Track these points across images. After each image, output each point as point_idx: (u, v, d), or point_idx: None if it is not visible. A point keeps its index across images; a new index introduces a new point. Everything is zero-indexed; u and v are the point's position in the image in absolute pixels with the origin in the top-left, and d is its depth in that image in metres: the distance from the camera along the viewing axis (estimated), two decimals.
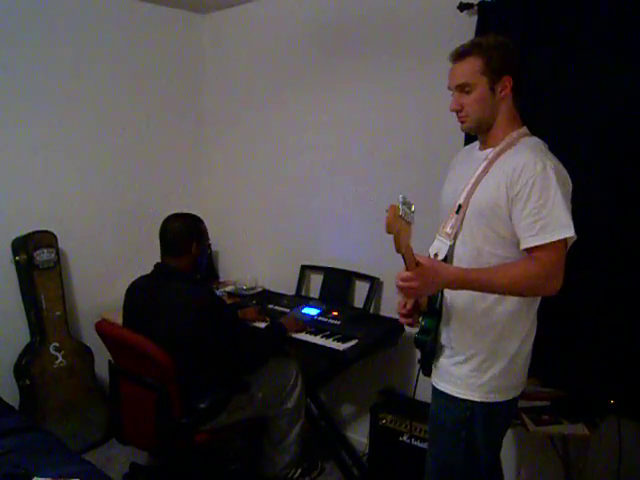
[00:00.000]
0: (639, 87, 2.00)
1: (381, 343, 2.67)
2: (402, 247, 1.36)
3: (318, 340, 2.52)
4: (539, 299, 1.69)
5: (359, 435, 3.02)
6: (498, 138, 1.64)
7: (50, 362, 2.91)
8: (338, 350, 2.43)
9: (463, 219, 1.63)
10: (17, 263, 2.88)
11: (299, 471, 2.71)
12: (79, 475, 1.80)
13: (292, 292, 3.17)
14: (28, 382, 2.83)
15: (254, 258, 3.53)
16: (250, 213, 3.54)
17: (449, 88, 1.67)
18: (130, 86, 3.31)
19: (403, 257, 1.41)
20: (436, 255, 1.65)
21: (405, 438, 2.54)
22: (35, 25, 2.88)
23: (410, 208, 1.35)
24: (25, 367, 2.85)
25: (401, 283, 1.46)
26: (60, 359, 2.94)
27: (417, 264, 1.44)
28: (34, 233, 2.88)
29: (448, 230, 1.65)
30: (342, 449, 2.89)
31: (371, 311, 2.87)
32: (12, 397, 2.74)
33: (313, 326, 2.65)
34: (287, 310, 2.87)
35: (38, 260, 2.87)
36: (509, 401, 1.69)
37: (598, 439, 2.12)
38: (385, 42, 2.75)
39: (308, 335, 2.57)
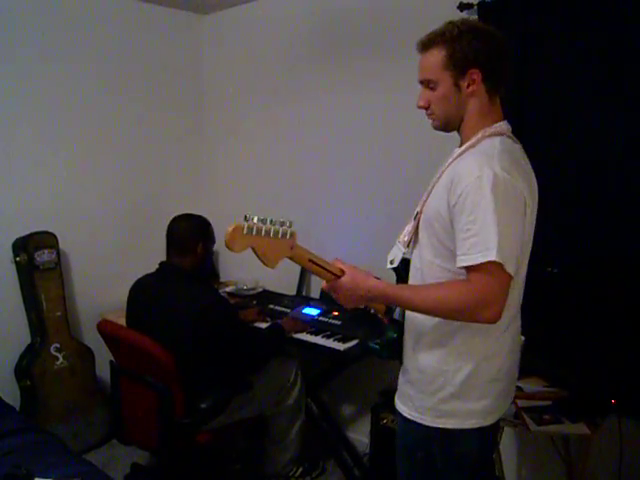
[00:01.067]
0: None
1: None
2: (269, 263, 1.29)
3: (319, 340, 2.52)
4: (517, 316, 1.52)
5: (360, 435, 3.02)
6: (468, 137, 1.46)
7: (51, 363, 2.91)
8: (339, 350, 2.43)
9: (418, 227, 1.49)
10: (18, 264, 2.89)
11: (300, 470, 2.71)
12: (80, 476, 1.80)
13: (293, 292, 3.17)
14: (29, 383, 2.83)
15: (255, 258, 3.51)
16: (250, 213, 3.53)
17: (418, 82, 1.52)
18: (130, 86, 3.31)
19: (312, 271, 1.37)
20: (392, 262, 1.55)
21: None
22: (35, 26, 2.88)
23: (281, 223, 1.27)
24: (26, 368, 2.85)
25: (327, 293, 1.40)
26: (61, 360, 2.94)
27: (342, 274, 1.38)
28: (35, 234, 2.88)
29: (405, 237, 1.53)
30: (343, 449, 2.89)
31: (372, 311, 2.86)
32: (13, 398, 2.75)
33: (314, 326, 2.65)
34: (288, 310, 2.87)
35: (39, 261, 2.87)
36: (471, 430, 1.47)
37: (599, 439, 2.12)
38: (385, 42, 2.75)
39: (309, 335, 2.57)
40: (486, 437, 1.56)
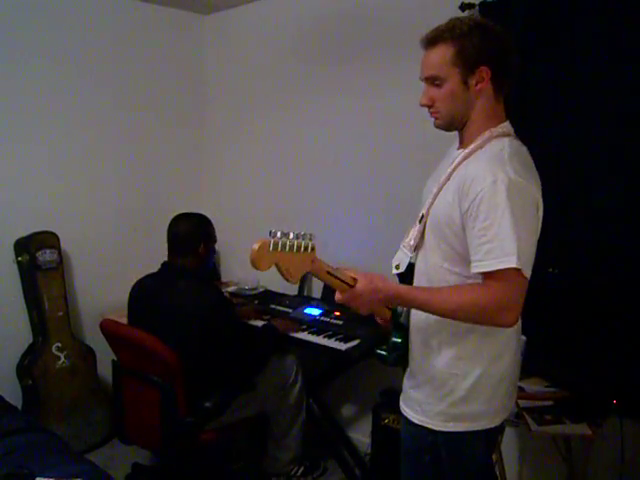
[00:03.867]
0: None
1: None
2: (292, 279, 1.24)
3: (320, 340, 2.52)
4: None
5: (361, 435, 3.02)
6: (472, 137, 1.43)
7: (52, 362, 2.91)
8: (340, 350, 2.43)
9: (424, 231, 1.46)
10: (20, 263, 2.89)
11: (301, 469, 2.71)
12: (81, 475, 1.80)
13: (294, 292, 3.17)
14: (30, 382, 2.84)
15: None
16: (252, 213, 3.54)
17: (420, 79, 1.46)
18: (131, 87, 3.32)
19: (329, 282, 1.32)
20: (397, 267, 1.52)
21: None
22: (35, 27, 2.88)
23: (302, 237, 1.23)
24: (28, 367, 2.85)
25: (342, 303, 1.36)
26: (62, 359, 2.94)
27: (355, 282, 1.33)
28: (37, 234, 2.88)
29: (411, 241, 1.49)
30: (344, 449, 2.89)
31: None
32: (15, 397, 2.75)
33: (315, 326, 2.65)
34: (289, 310, 2.87)
35: (40, 261, 2.87)
36: (479, 432, 1.48)
37: (601, 439, 2.12)
38: (386, 42, 2.75)
39: (310, 335, 2.57)
40: (492, 438, 1.58)
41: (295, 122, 3.22)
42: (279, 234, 1.20)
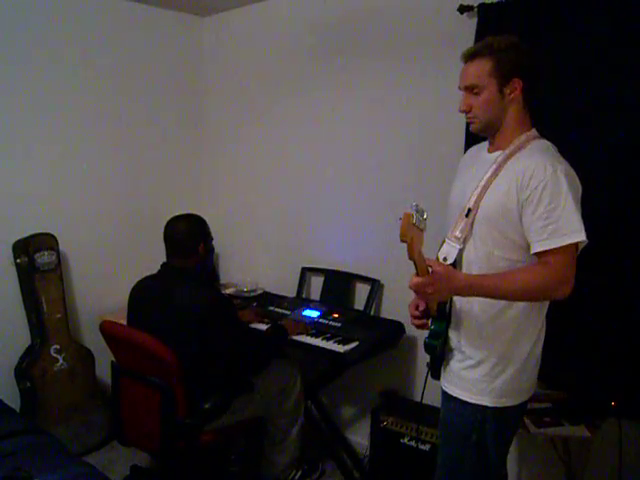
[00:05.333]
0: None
1: (382, 345, 2.67)
2: (415, 254, 1.37)
3: (319, 342, 2.52)
4: (546, 303, 1.68)
5: (360, 437, 3.02)
6: (507, 141, 1.62)
7: (51, 364, 2.91)
8: (339, 352, 2.43)
9: (473, 223, 1.61)
10: (18, 265, 2.89)
11: (299, 473, 2.70)
12: (80, 477, 1.80)
13: (293, 294, 3.17)
14: (29, 384, 2.83)
15: (255, 260, 3.53)
16: (251, 215, 3.55)
17: (459, 88, 1.66)
18: (130, 89, 3.32)
19: (415, 263, 1.42)
20: (445, 259, 1.64)
21: (406, 440, 2.54)
22: (33, 29, 2.88)
23: (422, 215, 1.37)
24: (26, 369, 2.84)
25: (415, 289, 1.47)
26: (61, 361, 2.94)
27: (429, 270, 1.44)
28: (35, 235, 2.88)
29: (457, 234, 1.63)
30: (343, 451, 2.89)
31: (372, 313, 2.87)
32: (13, 400, 2.74)
33: (314, 328, 2.65)
34: (288, 312, 2.87)
35: (39, 262, 2.87)
36: (520, 404, 1.68)
37: (599, 441, 2.12)
38: (386, 44, 2.76)
39: (309, 337, 2.56)
40: (524, 407, 1.74)
41: (294, 123, 3.23)
42: (415, 207, 1.34)
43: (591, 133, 2.10)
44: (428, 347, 1.71)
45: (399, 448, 2.55)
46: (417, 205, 1.34)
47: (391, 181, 2.82)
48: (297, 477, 2.69)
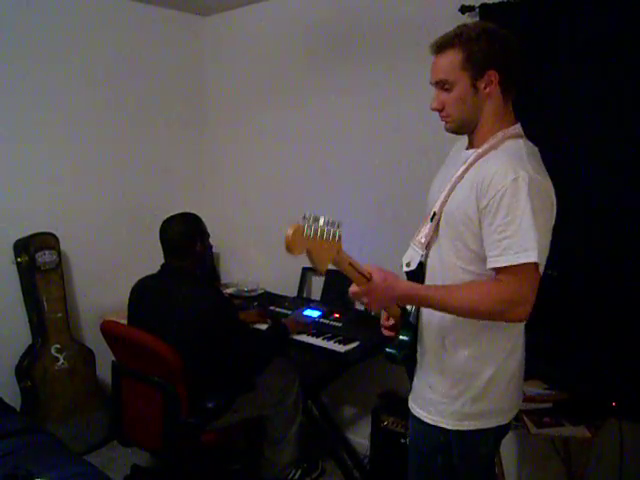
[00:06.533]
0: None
1: (382, 345, 2.64)
2: (321, 266, 1.24)
3: (319, 342, 2.52)
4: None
5: (360, 437, 3.02)
6: (483, 138, 1.46)
7: (51, 364, 2.91)
8: (339, 352, 2.43)
9: (437, 228, 1.47)
10: (19, 265, 2.89)
11: (299, 472, 2.70)
12: (80, 477, 1.80)
13: (293, 294, 3.17)
14: (29, 384, 2.83)
15: (255, 260, 3.53)
16: (251, 215, 3.55)
17: (430, 84, 1.49)
18: (131, 88, 3.31)
19: (345, 273, 1.31)
20: (408, 264, 1.53)
21: (406, 440, 2.53)
22: (34, 28, 2.88)
23: (332, 224, 1.22)
24: (27, 369, 2.85)
25: (353, 297, 1.37)
26: (61, 361, 2.94)
27: (370, 276, 1.32)
28: (36, 235, 2.88)
29: (422, 239, 1.50)
30: (343, 451, 2.89)
31: (372, 313, 2.86)
32: (14, 399, 2.74)
33: (314, 328, 2.65)
34: (289, 312, 2.87)
35: (40, 262, 2.87)
36: (490, 429, 1.51)
37: (599, 441, 2.12)
38: (386, 45, 2.76)
39: (309, 337, 2.57)
40: (501, 435, 1.59)
41: (295, 123, 3.23)
42: (312, 219, 1.20)
43: (591, 133, 2.10)
44: (386, 355, 1.57)
45: (399, 448, 2.55)
46: (313, 215, 1.19)
47: (391, 180, 2.82)
48: (297, 476, 2.70)
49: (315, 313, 2.82)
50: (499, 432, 1.55)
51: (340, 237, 1.24)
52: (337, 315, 2.79)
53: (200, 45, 3.64)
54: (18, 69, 2.84)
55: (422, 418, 1.56)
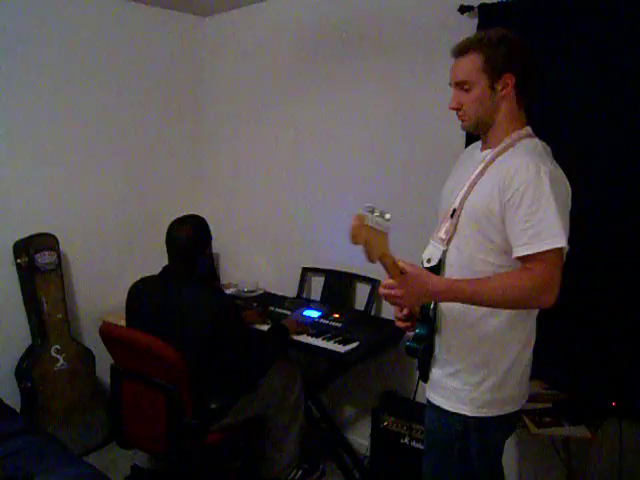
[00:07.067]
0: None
1: (382, 345, 2.67)
2: (374, 257, 1.29)
3: (319, 342, 2.52)
4: (534, 311, 1.62)
5: (360, 437, 3.02)
6: (498, 139, 1.56)
7: (51, 365, 2.91)
8: (339, 352, 2.43)
9: (457, 224, 1.55)
10: (18, 266, 2.89)
11: (299, 472, 2.70)
12: (80, 478, 1.80)
13: (293, 294, 3.17)
14: (29, 385, 2.83)
15: (255, 260, 3.53)
16: (251, 215, 3.55)
17: (449, 85, 1.60)
18: (130, 89, 3.32)
19: (384, 266, 1.35)
20: (429, 260, 1.59)
21: (406, 440, 2.54)
22: (34, 29, 2.88)
23: (383, 216, 1.29)
24: (26, 370, 2.84)
25: (384, 291, 1.40)
26: (61, 362, 2.94)
27: (402, 272, 1.37)
28: (35, 236, 2.88)
29: (442, 235, 1.58)
30: (343, 451, 2.89)
31: (372, 313, 2.87)
32: (13, 400, 2.74)
33: (314, 328, 2.65)
34: (288, 312, 2.88)
35: (39, 263, 2.87)
36: (505, 415, 1.60)
37: (600, 441, 2.12)
38: (386, 45, 2.76)
39: (309, 337, 2.56)
40: (513, 422, 1.70)
41: (294, 123, 3.23)
42: (371, 210, 1.27)
43: (591, 133, 2.10)
44: (408, 349, 1.64)
45: (399, 448, 2.55)
46: (370, 206, 1.27)
47: (392, 181, 2.82)
48: (297, 477, 2.69)
49: (315, 313, 2.82)
50: (512, 418, 1.65)
51: (389, 228, 1.31)
52: (337, 315, 2.79)
53: (199, 45, 3.64)
54: (19, 70, 2.84)
55: (442, 406, 1.63)
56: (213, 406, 2.26)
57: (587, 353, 2.14)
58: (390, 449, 2.60)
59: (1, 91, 2.80)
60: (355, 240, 1.24)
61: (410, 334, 1.69)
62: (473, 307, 1.50)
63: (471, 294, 1.43)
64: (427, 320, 1.63)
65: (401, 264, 1.37)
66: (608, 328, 2.10)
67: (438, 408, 1.64)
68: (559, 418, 2.09)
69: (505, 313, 1.52)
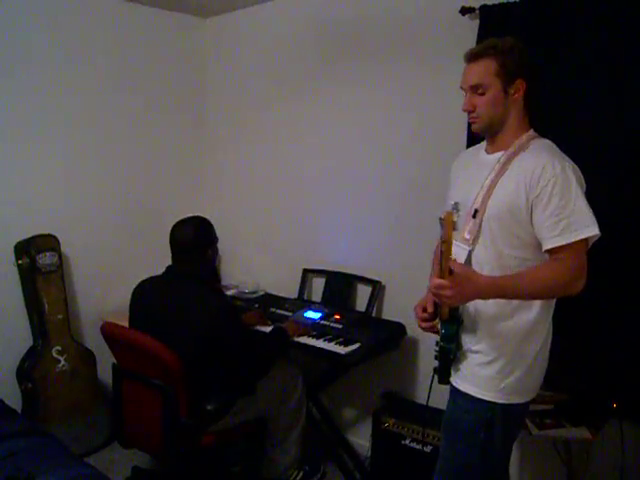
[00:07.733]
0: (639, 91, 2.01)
1: (383, 347, 2.67)
2: (449, 239, 1.39)
3: (320, 344, 2.52)
4: (554, 302, 1.70)
5: (361, 439, 3.01)
6: (508, 141, 1.65)
7: (52, 365, 2.91)
8: (340, 354, 2.43)
9: (481, 223, 1.63)
10: (20, 267, 2.89)
11: (301, 474, 2.70)
12: (81, 478, 1.80)
13: (294, 296, 3.17)
14: (30, 385, 2.84)
15: (256, 261, 3.53)
16: (252, 216, 3.55)
17: (462, 88, 1.67)
18: (132, 90, 3.32)
19: (441, 264, 1.44)
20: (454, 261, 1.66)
21: (407, 442, 2.53)
22: (36, 30, 2.89)
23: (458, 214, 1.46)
24: (28, 370, 2.85)
25: (435, 291, 1.48)
26: (62, 362, 2.94)
27: (450, 272, 1.44)
28: (37, 237, 2.88)
29: (466, 236, 1.65)
30: (344, 452, 2.89)
31: (373, 315, 2.87)
32: (14, 401, 2.74)
33: (315, 330, 2.65)
34: (289, 314, 2.87)
35: (40, 264, 2.87)
36: (526, 403, 1.71)
37: (600, 442, 2.12)
38: (387, 46, 2.76)
39: (310, 339, 2.57)
40: (528, 406, 1.77)
41: (296, 124, 3.23)
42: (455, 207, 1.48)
43: (591, 134, 2.10)
44: (444, 350, 1.70)
45: (400, 450, 2.55)
46: (456, 203, 1.43)
47: (393, 182, 2.82)
48: (298, 478, 2.69)
49: (316, 315, 2.82)
50: (528, 406, 1.75)
51: (455, 224, 1.46)
52: (338, 317, 2.79)
53: (200, 47, 3.65)
54: (19, 70, 2.85)
55: (475, 394, 1.68)
56: (209, 407, 2.26)
57: (588, 354, 2.14)
58: (391, 450, 2.59)
59: (2, 92, 2.81)
60: (449, 239, 1.40)
61: (435, 337, 1.75)
62: (505, 301, 1.60)
63: (513, 288, 1.54)
64: (455, 319, 1.69)
65: (450, 264, 1.45)
66: (609, 329, 2.10)
67: (466, 396, 1.70)
68: (560, 419, 2.09)
69: (534, 306, 1.62)
